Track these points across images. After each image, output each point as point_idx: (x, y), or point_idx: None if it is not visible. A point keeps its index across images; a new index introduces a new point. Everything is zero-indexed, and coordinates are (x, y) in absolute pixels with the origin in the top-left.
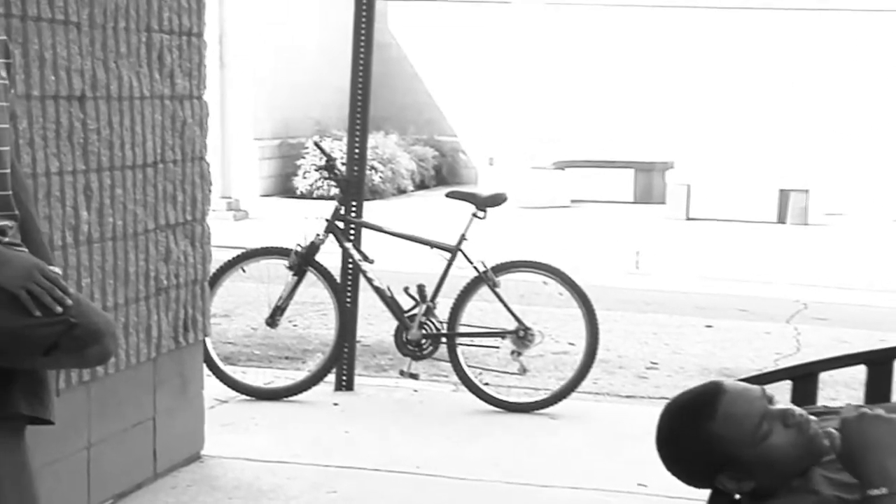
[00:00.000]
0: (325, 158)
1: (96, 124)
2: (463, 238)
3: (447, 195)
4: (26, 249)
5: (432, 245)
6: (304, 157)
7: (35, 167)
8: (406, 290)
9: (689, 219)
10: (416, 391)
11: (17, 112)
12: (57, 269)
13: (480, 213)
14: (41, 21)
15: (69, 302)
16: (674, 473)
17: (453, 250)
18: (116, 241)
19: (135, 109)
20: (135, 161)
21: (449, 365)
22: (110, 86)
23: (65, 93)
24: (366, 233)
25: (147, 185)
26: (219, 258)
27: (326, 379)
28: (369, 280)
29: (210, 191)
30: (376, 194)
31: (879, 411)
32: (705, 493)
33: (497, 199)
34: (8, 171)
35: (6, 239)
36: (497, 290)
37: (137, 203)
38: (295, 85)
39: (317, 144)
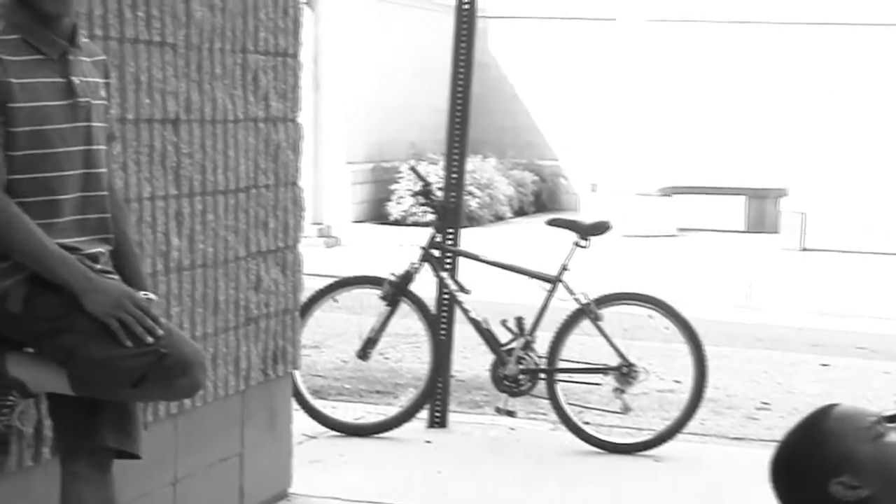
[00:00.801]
0: (421, 183)
1: (189, 148)
2: (564, 268)
3: (548, 223)
4: (118, 277)
5: (532, 275)
6: (398, 182)
7: (127, 192)
8: (504, 322)
9: (804, 249)
10: (512, 429)
11: (115, 133)
12: (152, 295)
13: (583, 242)
14: (138, 43)
15: (160, 332)
16: (785, 498)
17: (554, 281)
18: (206, 269)
19: (228, 133)
20: (227, 186)
21: (547, 402)
22: (204, 108)
23: (159, 116)
24: (462, 262)
25: (239, 211)
26: (309, 287)
27: (419, 415)
28: (465, 311)
29: (303, 217)
30: (473, 221)
31: None
32: None
33: (600, 228)
34: (105, 193)
35: (98, 266)
36: (599, 323)
37: (228, 229)
38: (390, 106)
39: (413, 169)
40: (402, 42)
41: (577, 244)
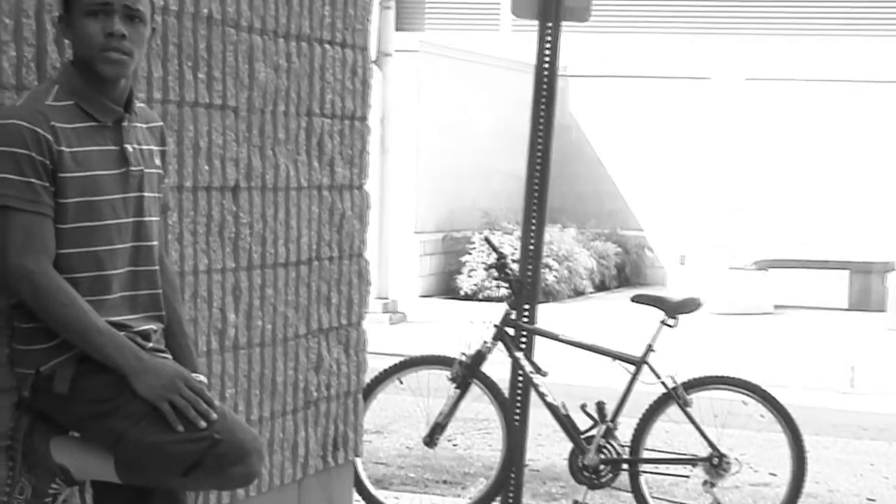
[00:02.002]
0: (494, 255)
1: (249, 218)
2: (650, 349)
3: (632, 299)
4: (170, 356)
5: (614, 356)
6: (469, 254)
7: (182, 264)
8: (583, 407)
9: None
10: None
11: (169, 204)
12: (202, 378)
13: (670, 321)
14: (198, 106)
15: (214, 416)
16: None
17: (638, 363)
18: (264, 347)
19: (290, 201)
20: (288, 258)
21: (630, 495)
22: (265, 175)
23: (218, 183)
24: (539, 341)
25: (300, 285)
26: (373, 367)
27: None
28: (541, 395)
29: (368, 292)
30: (550, 296)
31: None
32: None
33: (689, 305)
34: (157, 267)
35: (150, 344)
36: (688, 409)
37: (289, 305)
38: (462, 172)
39: (486, 239)
40: (476, 103)
41: (663, 322)
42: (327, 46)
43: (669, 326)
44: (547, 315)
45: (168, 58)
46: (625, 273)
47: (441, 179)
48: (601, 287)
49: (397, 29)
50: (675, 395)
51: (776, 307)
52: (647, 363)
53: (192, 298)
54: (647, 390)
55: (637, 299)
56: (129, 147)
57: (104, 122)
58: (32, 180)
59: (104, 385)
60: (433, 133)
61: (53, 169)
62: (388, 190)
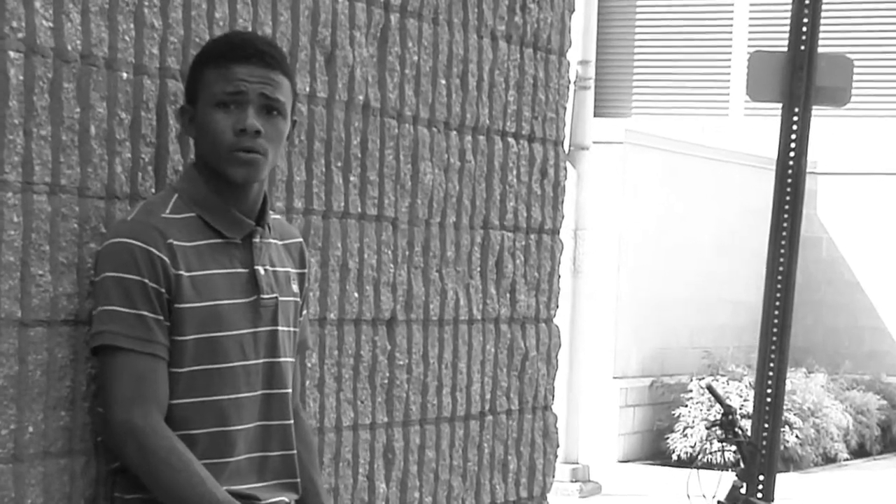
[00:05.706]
0: (719, 408)
1: (406, 359)
2: None
3: None
4: None
5: None
6: (685, 405)
7: (322, 418)
8: None
9: None
10: None
11: (308, 342)
12: None
13: None
14: (348, 217)
15: None
16: None
17: None
18: None
19: (459, 338)
20: (454, 412)
21: None
22: (429, 305)
23: (369, 315)
24: None
25: (469, 447)
26: None
27: None
28: None
29: (555, 456)
30: (791, 463)
31: None
32: None
33: None
34: (291, 421)
35: None
36: None
37: (454, 472)
38: (676, 298)
39: (709, 388)
40: (697, 209)
41: None
42: (511, 140)
43: None
44: (788, 488)
45: (313, 157)
46: (891, 434)
47: (649, 308)
48: (860, 452)
49: (596, 115)
50: None
51: None
52: None
53: (332, 462)
54: None
55: None
56: (260, 269)
57: (231, 239)
58: (144, 313)
59: None
60: (639, 248)
61: (169, 299)
62: (580, 322)
